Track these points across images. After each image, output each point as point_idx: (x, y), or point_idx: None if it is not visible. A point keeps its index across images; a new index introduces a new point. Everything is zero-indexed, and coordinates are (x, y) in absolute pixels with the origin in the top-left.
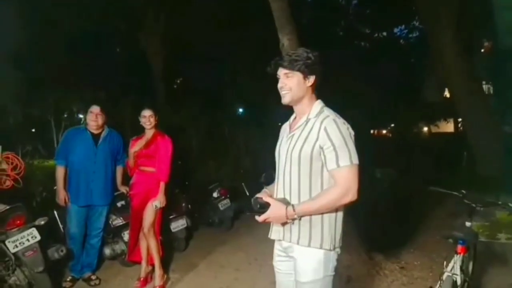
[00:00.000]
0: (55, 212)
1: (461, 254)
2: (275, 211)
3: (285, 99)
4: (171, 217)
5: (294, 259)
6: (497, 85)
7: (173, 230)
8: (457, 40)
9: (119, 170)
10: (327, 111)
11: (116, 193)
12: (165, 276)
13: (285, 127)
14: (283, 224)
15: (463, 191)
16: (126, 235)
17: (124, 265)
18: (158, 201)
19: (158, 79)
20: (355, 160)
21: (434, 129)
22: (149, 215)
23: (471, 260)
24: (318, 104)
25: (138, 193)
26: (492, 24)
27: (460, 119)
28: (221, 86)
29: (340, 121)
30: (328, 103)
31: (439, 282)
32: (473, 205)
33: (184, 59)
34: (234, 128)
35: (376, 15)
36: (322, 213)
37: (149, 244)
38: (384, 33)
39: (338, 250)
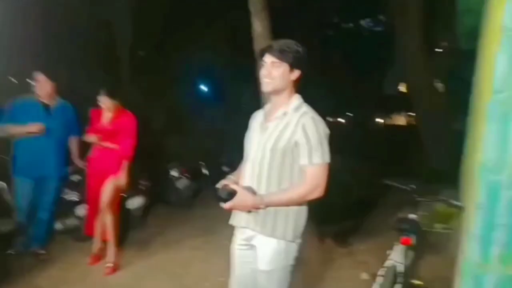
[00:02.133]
0: (3, 183)
1: (404, 244)
2: (242, 199)
3: (267, 88)
4: (127, 194)
5: (255, 248)
6: (451, 84)
7: (129, 208)
8: (420, 38)
9: (73, 142)
10: (306, 107)
11: (71, 166)
12: (120, 253)
13: (258, 116)
14: (248, 212)
15: (413, 186)
16: (79, 210)
17: (76, 241)
18: (119, 180)
19: (122, 53)
20: (327, 159)
21: (388, 121)
22: (107, 192)
23: (413, 249)
24: (297, 99)
25: (97, 169)
26: (452, 25)
27: (412, 113)
28: (184, 61)
29: (318, 119)
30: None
31: (382, 269)
32: (419, 198)
33: (149, 34)
34: (196, 106)
35: (344, 6)
36: (288, 206)
37: (105, 220)
38: (351, 24)
39: (299, 241)
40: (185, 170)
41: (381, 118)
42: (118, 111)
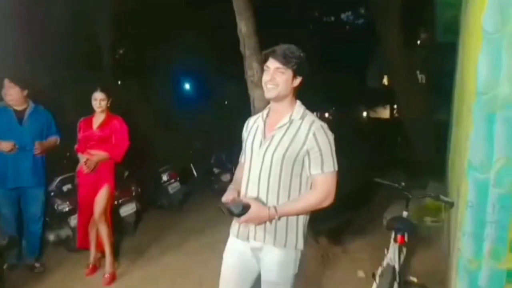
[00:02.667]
0: None
1: (400, 243)
2: (256, 212)
3: (270, 94)
4: (120, 201)
5: (262, 259)
6: (431, 76)
7: (122, 215)
8: (400, 31)
9: (51, 140)
10: (310, 115)
11: (62, 177)
12: (116, 263)
13: (255, 123)
14: (259, 224)
15: (403, 183)
16: (72, 220)
17: (70, 251)
18: (111, 188)
19: (104, 51)
20: (336, 167)
21: (372, 114)
22: (101, 201)
23: (405, 246)
24: (300, 105)
25: (87, 180)
26: (431, 18)
27: (395, 106)
28: (172, 61)
29: (326, 126)
30: None
31: (380, 269)
32: (410, 196)
33: (133, 31)
34: (185, 107)
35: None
36: (300, 215)
37: (100, 230)
38: (332, 18)
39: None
40: (175, 174)
41: (365, 111)
42: (108, 116)
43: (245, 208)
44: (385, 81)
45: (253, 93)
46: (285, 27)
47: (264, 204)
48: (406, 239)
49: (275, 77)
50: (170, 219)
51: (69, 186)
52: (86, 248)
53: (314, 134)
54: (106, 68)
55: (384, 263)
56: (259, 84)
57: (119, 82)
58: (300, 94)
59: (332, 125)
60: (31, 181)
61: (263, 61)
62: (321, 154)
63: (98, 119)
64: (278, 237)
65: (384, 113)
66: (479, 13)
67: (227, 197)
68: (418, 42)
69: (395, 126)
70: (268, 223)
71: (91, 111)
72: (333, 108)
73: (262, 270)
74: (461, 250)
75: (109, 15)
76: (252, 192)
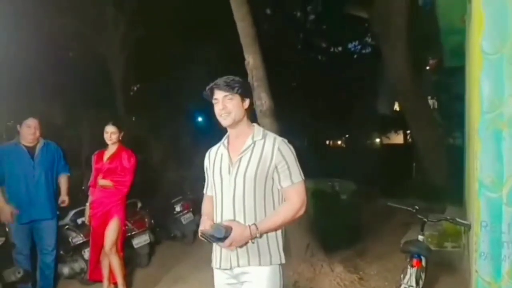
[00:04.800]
0: (7, 231)
1: (416, 267)
2: (239, 233)
3: (226, 122)
4: (133, 233)
5: (248, 283)
6: (441, 100)
7: (135, 246)
8: (406, 58)
9: (62, 180)
10: (270, 133)
11: (76, 210)
12: None
13: (217, 152)
14: (241, 246)
15: (416, 207)
16: (86, 253)
17: (83, 284)
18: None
19: (118, 88)
20: (303, 176)
21: (385, 140)
22: (111, 233)
23: (424, 271)
24: (258, 126)
25: (99, 211)
26: (437, 44)
27: (408, 131)
28: (181, 94)
29: (286, 141)
30: (286, 114)
31: None
32: (425, 219)
33: (145, 67)
34: (195, 138)
35: (331, 31)
36: (279, 229)
37: (111, 262)
38: (340, 48)
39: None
40: (188, 205)
41: (378, 138)
42: (119, 149)
43: (227, 231)
44: (396, 107)
45: (262, 122)
46: (292, 58)
47: (243, 224)
48: (423, 263)
49: (226, 105)
50: (183, 249)
51: (83, 219)
52: (98, 280)
53: (279, 149)
54: (120, 104)
55: None
56: (267, 114)
57: (133, 118)
58: (312, 123)
59: (346, 153)
60: (45, 213)
61: (209, 96)
62: (288, 167)
63: (110, 151)
64: (262, 256)
65: (397, 138)
66: (478, 36)
67: (204, 226)
68: (427, 67)
69: (409, 151)
70: (250, 244)
71: (105, 146)
72: (346, 136)
73: None
74: (478, 271)
75: (123, 53)
76: (227, 217)
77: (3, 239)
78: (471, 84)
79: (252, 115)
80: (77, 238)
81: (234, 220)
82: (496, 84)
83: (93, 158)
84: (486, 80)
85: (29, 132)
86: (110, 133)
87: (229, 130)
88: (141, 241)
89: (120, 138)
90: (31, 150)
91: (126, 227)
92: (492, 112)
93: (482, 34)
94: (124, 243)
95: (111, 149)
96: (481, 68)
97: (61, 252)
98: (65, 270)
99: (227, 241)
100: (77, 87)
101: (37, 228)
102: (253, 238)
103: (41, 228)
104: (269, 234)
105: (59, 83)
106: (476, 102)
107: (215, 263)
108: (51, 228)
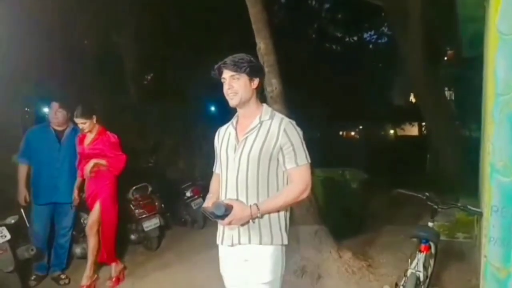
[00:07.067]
0: (22, 210)
1: (424, 253)
2: (239, 212)
3: (233, 102)
4: (144, 216)
5: (249, 262)
6: (458, 91)
7: (146, 229)
8: (422, 48)
9: None
10: (278, 114)
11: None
12: (96, 276)
13: (226, 131)
14: (242, 225)
15: (427, 193)
16: None
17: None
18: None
19: (131, 76)
20: (309, 159)
21: (400, 132)
22: (91, 215)
23: (433, 257)
24: (267, 107)
25: (90, 194)
26: (455, 34)
27: (424, 123)
28: (194, 84)
29: (294, 123)
30: (298, 102)
31: (403, 278)
32: (435, 206)
33: (157, 57)
34: (206, 126)
35: (347, 20)
36: (281, 210)
37: (88, 242)
38: (355, 38)
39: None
40: (198, 190)
41: (392, 129)
42: (99, 133)
43: (228, 209)
44: (412, 98)
45: (273, 108)
46: (306, 47)
47: (245, 204)
48: (432, 250)
49: (232, 85)
50: (193, 234)
51: None
52: (105, 262)
53: (285, 130)
54: (133, 92)
55: (408, 273)
56: (277, 100)
57: (143, 103)
58: (327, 114)
59: (359, 144)
60: (66, 197)
61: (218, 75)
62: (293, 149)
63: (89, 137)
64: (263, 235)
65: (412, 130)
66: (494, 16)
67: (207, 203)
68: (445, 58)
69: (424, 143)
70: (251, 222)
71: (119, 133)
72: (360, 127)
73: (252, 273)
74: (487, 257)
75: (137, 42)
76: (231, 196)
77: (16, 216)
78: (486, 67)
79: (262, 99)
80: (87, 219)
81: (237, 199)
82: (511, 66)
83: (77, 140)
84: (501, 60)
85: (52, 115)
86: (80, 124)
87: (238, 110)
88: (151, 224)
89: (95, 122)
90: (60, 134)
91: (136, 210)
92: (506, 94)
93: (499, 13)
94: (136, 226)
95: (90, 135)
96: (496, 49)
97: (74, 233)
98: (77, 250)
99: (226, 219)
100: (90, 75)
101: (58, 211)
102: (253, 218)
103: (61, 211)
104: (272, 214)
105: (72, 70)
106: (491, 84)
107: (218, 239)
108: (70, 211)
